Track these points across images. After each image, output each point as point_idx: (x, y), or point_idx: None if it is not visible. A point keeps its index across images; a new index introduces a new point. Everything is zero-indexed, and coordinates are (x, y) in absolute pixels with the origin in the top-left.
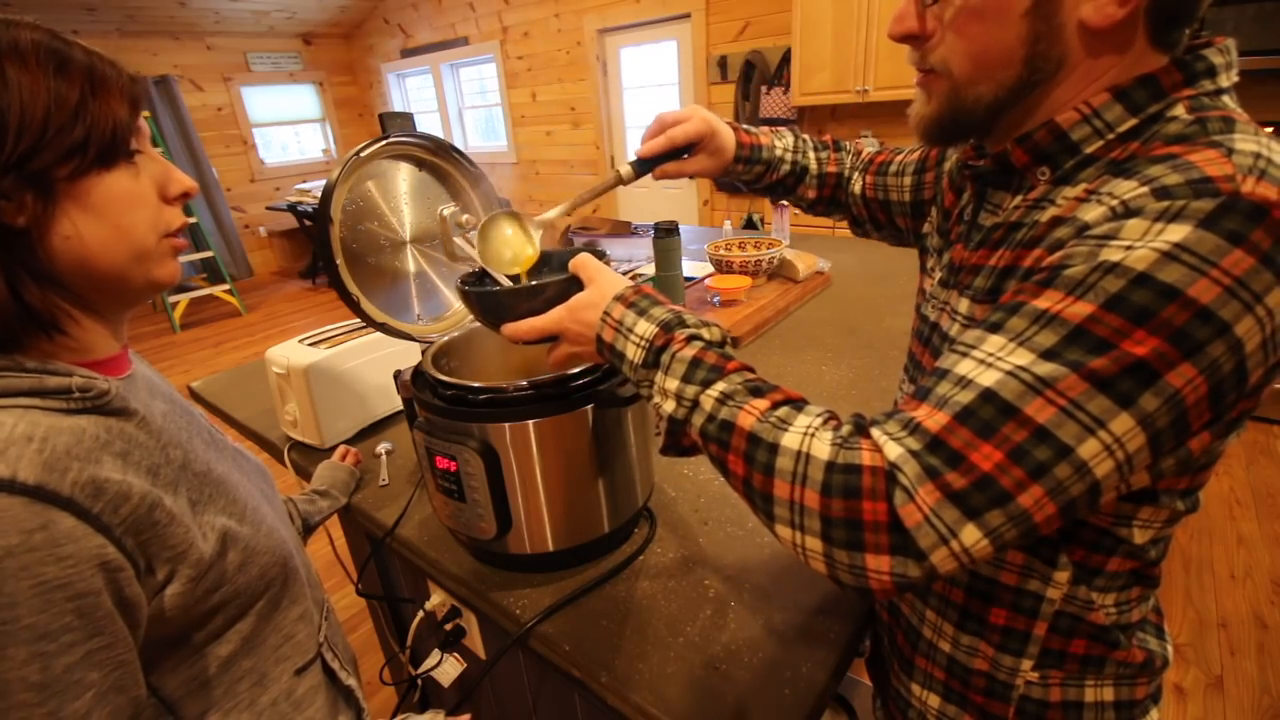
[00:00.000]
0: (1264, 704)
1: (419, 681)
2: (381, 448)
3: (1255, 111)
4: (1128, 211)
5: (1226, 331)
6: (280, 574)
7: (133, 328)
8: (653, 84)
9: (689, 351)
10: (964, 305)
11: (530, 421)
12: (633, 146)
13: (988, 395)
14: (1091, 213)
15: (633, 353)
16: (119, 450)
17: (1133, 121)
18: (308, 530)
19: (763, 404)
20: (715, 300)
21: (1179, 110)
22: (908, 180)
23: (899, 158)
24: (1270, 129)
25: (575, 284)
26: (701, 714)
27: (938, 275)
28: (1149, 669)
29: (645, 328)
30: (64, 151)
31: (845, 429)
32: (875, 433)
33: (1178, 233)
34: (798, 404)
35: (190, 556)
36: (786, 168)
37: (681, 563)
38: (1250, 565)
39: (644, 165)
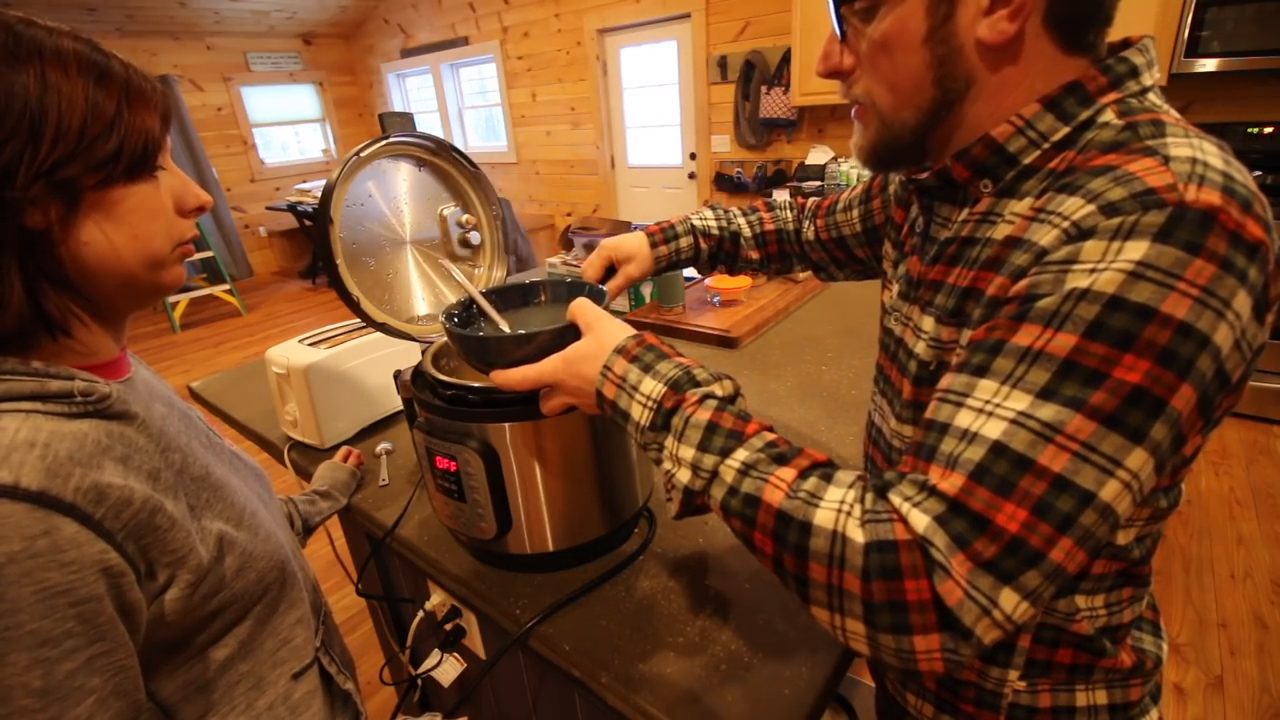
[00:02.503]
0: (1264, 704)
1: (419, 681)
2: (381, 448)
3: (1255, 111)
4: (1081, 233)
5: (1208, 343)
6: (278, 578)
7: (133, 328)
8: (653, 84)
9: (703, 415)
10: (928, 324)
11: (530, 422)
12: (633, 147)
13: (998, 448)
14: (1046, 236)
15: (639, 414)
16: (120, 455)
17: (1065, 130)
18: (308, 531)
19: (789, 474)
20: (715, 300)
21: (1109, 115)
22: (855, 213)
23: (844, 195)
24: (1270, 129)
25: (570, 332)
26: (701, 714)
27: (896, 288)
28: (1140, 671)
29: (652, 386)
30: (95, 162)
31: (869, 497)
32: (894, 499)
33: (1137, 250)
34: (827, 471)
35: (190, 561)
36: (716, 233)
37: (681, 563)
38: (1250, 565)
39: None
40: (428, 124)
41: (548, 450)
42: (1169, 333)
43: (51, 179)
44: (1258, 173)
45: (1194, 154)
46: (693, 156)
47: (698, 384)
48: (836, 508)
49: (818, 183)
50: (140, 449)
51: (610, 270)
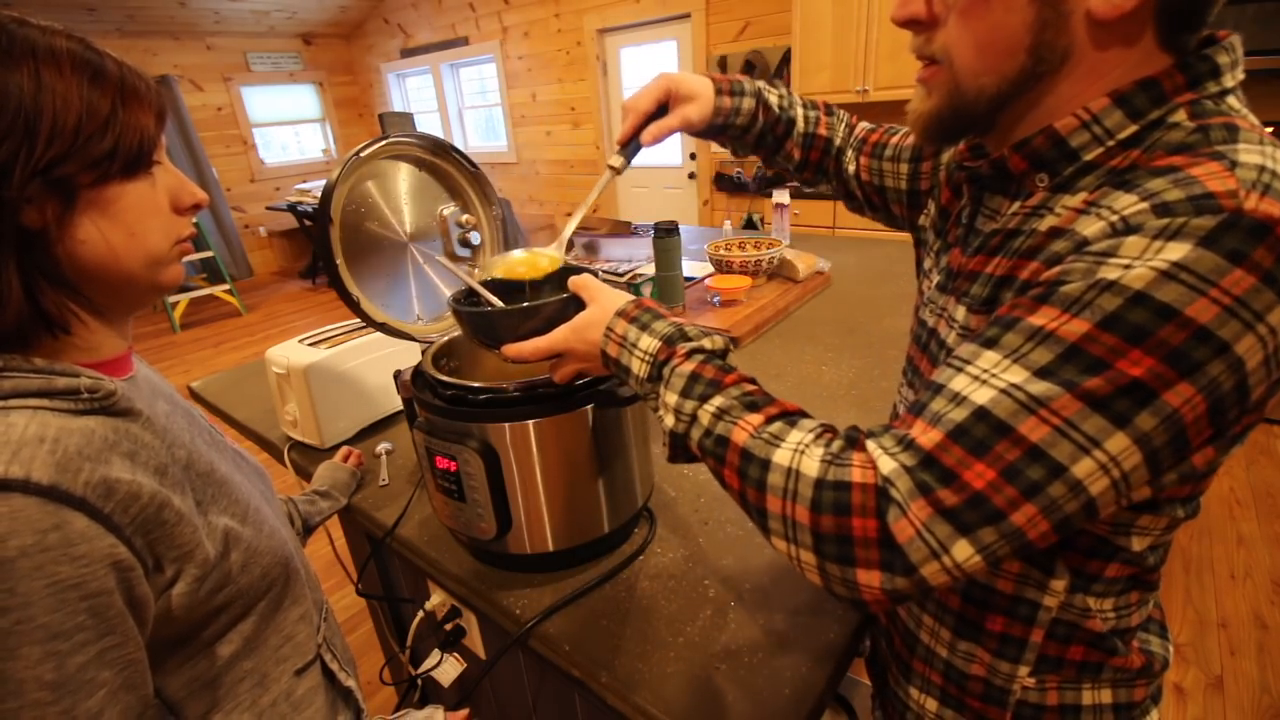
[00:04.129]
0: (1264, 704)
1: (419, 681)
2: (381, 448)
3: (1255, 112)
4: (1127, 228)
5: (1226, 351)
6: (282, 574)
7: (133, 327)
8: None
9: (688, 366)
10: (960, 313)
11: (530, 421)
12: None
13: (981, 413)
14: (1091, 227)
15: (637, 367)
16: (126, 450)
17: (1133, 128)
18: (308, 531)
19: (757, 419)
20: (715, 300)
21: (1180, 116)
22: (904, 168)
23: (894, 139)
24: (1271, 129)
25: (572, 303)
26: (701, 714)
27: (935, 279)
28: (1148, 672)
29: (648, 342)
30: (91, 161)
31: (836, 444)
32: (870, 445)
33: (1177, 251)
34: (792, 418)
35: (197, 556)
36: (776, 112)
37: (681, 563)
38: (1250, 565)
39: (627, 149)
40: (428, 124)
41: (548, 450)
42: (1185, 335)
43: (47, 177)
44: None
45: (1264, 162)
46: (693, 156)
47: (688, 339)
48: (794, 448)
49: None
50: (146, 445)
51: (663, 110)
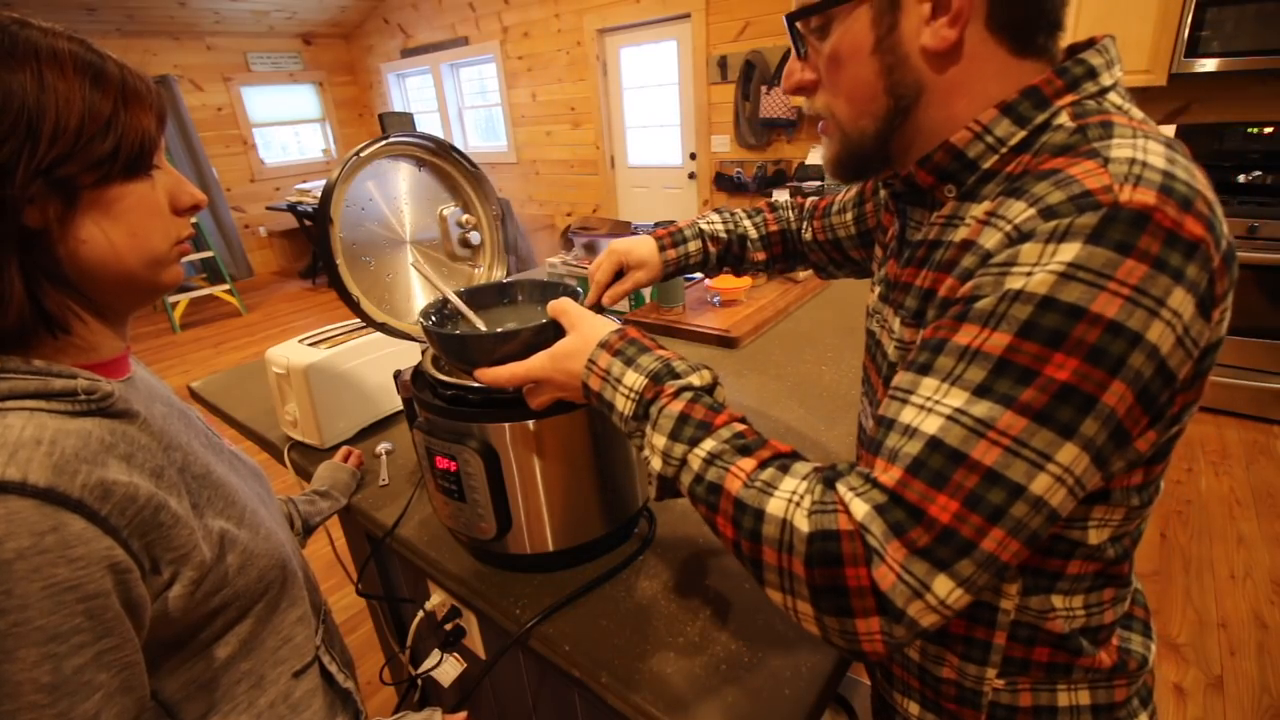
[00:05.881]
0: (1264, 704)
1: (419, 681)
2: (381, 448)
3: (1255, 111)
4: (1021, 236)
5: (1139, 340)
6: (279, 576)
7: (133, 328)
8: (653, 84)
9: (676, 406)
10: (896, 325)
11: (530, 421)
12: (633, 147)
13: (934, 444)
14: (991, 239)
15: (622, 404)
16: (123, 453)
17: (1022, 134)
18: (308, 531)
19: (749, 464)
20: (715, 300)
21: (1063, 118)
22: (849, 215)
23: (839, 198)
24: (1270, 129)
25: (550, 328)
26: (701, 714)
27: (878, 290)
28: (1123, 671)
29: (634, 379)
30: (92, 161)
31: (818, 488)
32: (840, 488)
33: (1069, 252)
34: (785, 462)
35: (194, 558)
36: (724, 237)
37: (681, 562)
38: (1250, 565)
39: (597, 309)
40: (428, 124)
41: (548, 450)
42: (1098, 331)
43: (50, 177)
44: (1258, 173)
45: (1134, 154)
46: (693, 156)
47: (676, 376)
48: (788, 498)
49: (818, 182)
50: (143, 447)
51: (619, 274)
